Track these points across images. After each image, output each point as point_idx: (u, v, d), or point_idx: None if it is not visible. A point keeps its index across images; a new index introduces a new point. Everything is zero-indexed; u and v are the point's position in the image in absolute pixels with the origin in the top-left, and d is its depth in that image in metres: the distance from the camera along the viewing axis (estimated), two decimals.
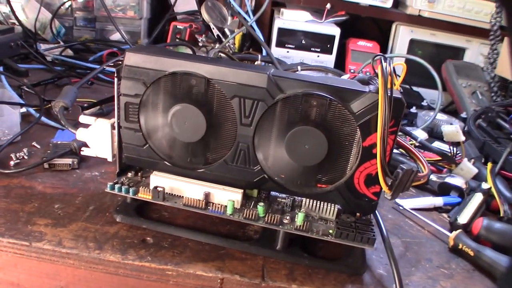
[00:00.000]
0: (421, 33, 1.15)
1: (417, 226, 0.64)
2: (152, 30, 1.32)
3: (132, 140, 0.55)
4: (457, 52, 1.19)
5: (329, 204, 0.53)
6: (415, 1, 1.10)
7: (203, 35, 1.18)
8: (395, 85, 0.49)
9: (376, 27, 1.29)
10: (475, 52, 1.17)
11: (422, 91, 1.15)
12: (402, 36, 1.16)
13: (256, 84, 0.48)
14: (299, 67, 0.75)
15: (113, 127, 0.56)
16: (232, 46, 1.10)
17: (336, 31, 1.08)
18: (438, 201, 0.70)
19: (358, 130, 0.48)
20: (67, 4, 1.30)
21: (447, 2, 1.10)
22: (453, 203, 0.70)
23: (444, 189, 0.72)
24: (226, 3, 1.17)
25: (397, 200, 0.68)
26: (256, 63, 1.05)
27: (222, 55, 1.12)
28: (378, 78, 0.45)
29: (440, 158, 0.73)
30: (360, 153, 0.49)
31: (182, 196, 0.54)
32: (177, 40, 1.23)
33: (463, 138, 0.73)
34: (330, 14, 1.12)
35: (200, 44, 1.18)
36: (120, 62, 0.52)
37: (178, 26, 1.23)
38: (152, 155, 0.55)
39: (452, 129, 0.72)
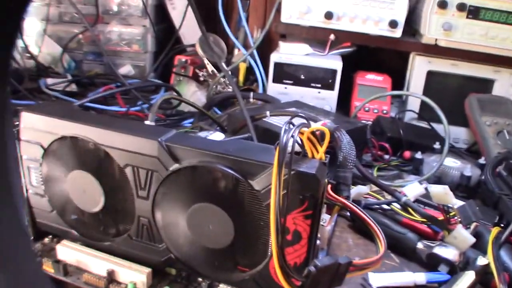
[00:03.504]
0: (440, 63, 1.02)
1: None
2: (160, 63, 1.29)
3: (39, 205, 0.50)
4: (485, 85, 1.04)
5: None
6: (429, 29, 0.97)
7: (204, 70, 1.12)
8: (318, 152, 0.40)
9: (396, 58, 1.17)
10: (505, 84, 1.02)
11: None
12: (418, 67, 1.03)
13: (147, 152, 0.41)
14: (267, 112, 0.66)
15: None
16: (227, 82, 1.03)
17: (338, 65, 0.98)
18: (420, 278, 0.57)
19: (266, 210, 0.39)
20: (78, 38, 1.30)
21: (466, 29, 0.97)
22: (439, 281, 0.57)
23: (433, 261, 0.60)
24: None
25: (370, 274, 0.58)
26: (250, 100, 0.98)
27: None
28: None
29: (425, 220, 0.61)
30: None
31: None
32: (182, 73, 1.18)
33: (454, 200, 0.60)
34: (335, 46, 1.02)
35: (201, 78, 1.13)
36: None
37: (181, 60, 1.18)
38: (60, 222, 0.49)
39: (440, 189, 0.59)
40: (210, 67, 1.04)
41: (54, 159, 0.46)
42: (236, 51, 1.21)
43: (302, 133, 0.37)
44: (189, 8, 1.25)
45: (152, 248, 0.45)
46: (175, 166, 0.40)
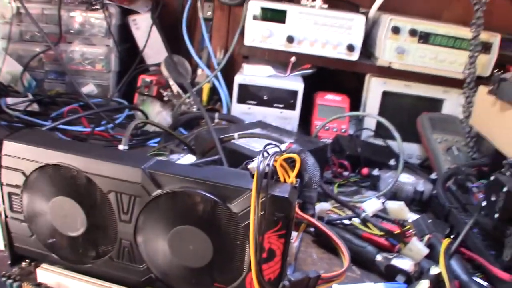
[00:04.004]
0: (394, 84, 1.09)
1: None
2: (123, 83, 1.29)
3: (19, 230, 0.51)
4: (435, 104, 1.11)
5: None
6: (384, 53, 1.05)
7: (168, 89, 1.15)
8: (290, 177, 0.44)
9: (353, 79, 1.24)
10: (454, 103, 1.10)
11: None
12: (374, 88, 1.10)
13: (131, 179, 0.44)
14: (236, 135, 0.70)
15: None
16: (192, 102, 1.06)
17: (299, 86, 1.03)
18: None
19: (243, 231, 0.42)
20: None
21: (418, 53, 1.05)
22: None
23: (391, 272, 0.65)
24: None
25: (334, 286, 0.62)
26: (215, 121, 1.02)
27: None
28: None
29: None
30: None
31: None
32: (146, 93, 1.20)
33: (409, 216, 0.66)
34: (295, 68, 1.07)
35: (166, 98, 1.15)
36: None
37: (146, 80, 1.20)
38: (40, 246, 0.50)
39: (396, 206, 0.65)
40: (175, 88, 1.07)
41: (36, 186, 0.47)
42: (199, 71, 1.23)
43: (275, 160, 0.41)
44: (153, 28, 1.27)
45: (133, 268, 0.47)
46: (158, 191, 0.43)
